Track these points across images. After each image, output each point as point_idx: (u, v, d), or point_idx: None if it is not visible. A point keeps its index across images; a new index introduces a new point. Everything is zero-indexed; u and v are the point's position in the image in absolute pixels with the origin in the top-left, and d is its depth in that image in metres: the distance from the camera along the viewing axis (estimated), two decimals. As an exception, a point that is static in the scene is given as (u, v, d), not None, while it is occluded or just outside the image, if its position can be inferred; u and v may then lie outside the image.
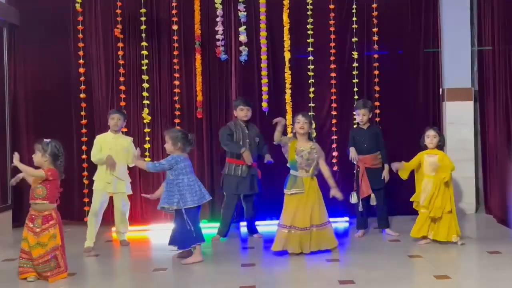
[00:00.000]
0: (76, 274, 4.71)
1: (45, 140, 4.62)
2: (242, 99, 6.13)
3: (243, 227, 6.46)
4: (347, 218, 6.71)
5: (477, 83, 7.02)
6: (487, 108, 6.88)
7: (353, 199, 5.99)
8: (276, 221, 5.37)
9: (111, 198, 5.85)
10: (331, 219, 6.45)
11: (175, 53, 6.78)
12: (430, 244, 5.44)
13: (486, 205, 6.98)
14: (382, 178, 5.93)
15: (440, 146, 5.63)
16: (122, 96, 6.74)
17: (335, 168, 6.78)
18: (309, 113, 6.63)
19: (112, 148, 5.73)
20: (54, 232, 4.54)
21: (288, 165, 5.28)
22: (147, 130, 6.69)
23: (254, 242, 5.89)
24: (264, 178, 6.21)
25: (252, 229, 6.18)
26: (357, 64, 6.86)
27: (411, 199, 5.64)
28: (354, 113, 6.21)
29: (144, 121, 6.71)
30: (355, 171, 6.05)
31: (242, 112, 5.99)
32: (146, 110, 6.69)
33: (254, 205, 6.14)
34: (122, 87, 6.74)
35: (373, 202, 5.91)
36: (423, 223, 5.47)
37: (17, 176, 4.78)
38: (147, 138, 6.68)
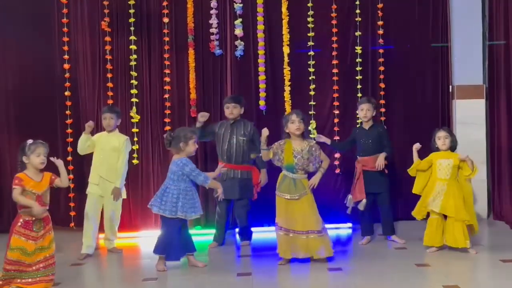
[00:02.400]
0: (60, 284, 4.70)
1: (43, 142, 4.63)
2: (228, 96, 6.22)
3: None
4: (350, 224, 6.69)
5: (489, 80, 7.01)
6: (499, 107, 6.88)
7: (349, 202, 5.92)
8: (272, 228, 5.37)
9: None
10: (333, 225, 6.48)
11: (166, 47, 6.77)
12: (439, 251, 5.44)
13: (499, 210, 6.95)
14: (380, 169, 5.80)
15: (453, 147, 5.57)
16: (110, 93, 6.72)
17: (337, 170, 6.78)
18: (309, 112, 6.67)
19: (104, 148, 5.81)
20: (53, 236, 4.60)
21: (284, 168, 5.19)
22: (135, 130, 6.67)
23: (250, 250, 5.88)
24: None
25: (243, 236, 6.15)
26: (360, 60, 6.84)
27: (423, 205, 5.53)
28: (357, 111, 6.16)
29: (133, 120, 6.69)
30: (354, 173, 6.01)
31: (226, 111, 6.04)
32: (134, 109, 6.67)
33: (246, 213, 6.04)
34: (110, 84, 6.73)
35: (361, 207, 5.81)
36: (435, 230, 5.44)
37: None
38: (135, 139, 6.66)
